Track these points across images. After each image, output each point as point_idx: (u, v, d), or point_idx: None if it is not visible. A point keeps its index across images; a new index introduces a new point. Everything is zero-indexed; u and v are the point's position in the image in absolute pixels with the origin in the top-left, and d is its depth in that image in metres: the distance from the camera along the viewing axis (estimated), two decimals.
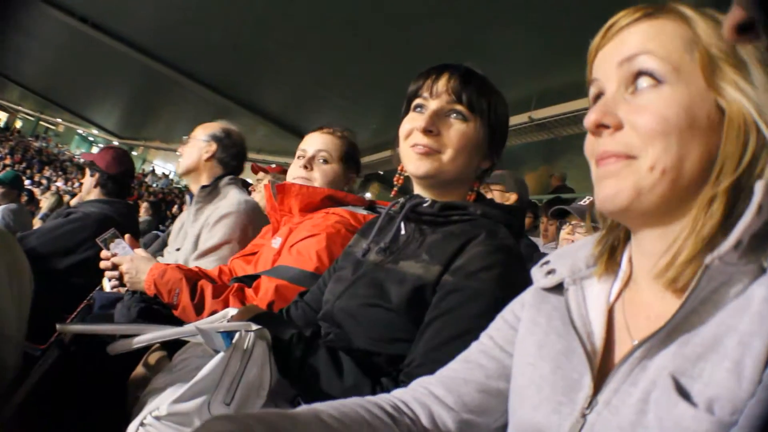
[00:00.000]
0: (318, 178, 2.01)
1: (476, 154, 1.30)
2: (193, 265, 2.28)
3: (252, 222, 2.49)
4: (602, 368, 0.75)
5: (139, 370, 1.41)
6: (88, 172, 3.15)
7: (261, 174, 3.90)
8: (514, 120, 8.49)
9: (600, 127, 0.74)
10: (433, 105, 1.28)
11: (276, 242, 1.88)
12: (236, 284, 1.71)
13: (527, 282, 0.96)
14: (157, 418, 1.03)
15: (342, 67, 10.23)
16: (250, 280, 1.76)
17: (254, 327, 1.09)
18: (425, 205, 1.29)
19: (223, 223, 2.42)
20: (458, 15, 7.02)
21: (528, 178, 9.81)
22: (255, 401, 1.06)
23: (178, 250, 2.54)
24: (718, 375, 0.61)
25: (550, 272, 0.89)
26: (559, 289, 0.88)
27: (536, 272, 0.93)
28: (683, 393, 0.62)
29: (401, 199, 1.36)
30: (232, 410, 1.02)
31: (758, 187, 0.63)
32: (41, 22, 14.75)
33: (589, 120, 0.75)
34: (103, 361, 1.42)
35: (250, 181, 4.48)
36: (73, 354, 1.59)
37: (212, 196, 2.58)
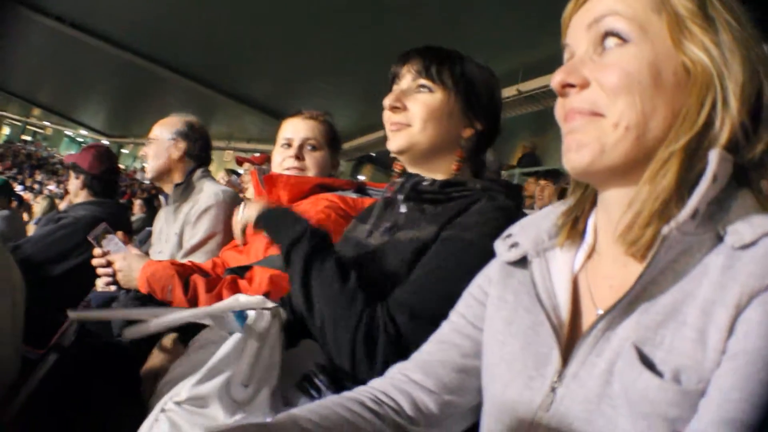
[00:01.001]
0: (311, 166, 2.00)
1: (449, 122, 1.31)
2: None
3: (234, 211, 2.46)
4: (570, 340, 0.76)
5: (154, 360, 1.41)
6: (72, 174, 3.12)
7: (247, 165, 3.88)
8: (502, 93, 8.43)
9: (566, 87, 0.74)
10: (401, 85, 1.34)
11: None
12: (229, 276, 1.71)
13: None
14: (178, 402, 1.03)
15: (324, 51, 10.20)
16: (242, 271, 1.75)
17: (270, 305, 1.10)
18: (425, 183, 1.31)
19: (205, 217, 2.40)
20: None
21: (517, 151, 9.83)
22: (271, 382, 1.07)
23: (160, 252, 2.51)
24: (682, 344, 0.62)
25: (513, 245, 0.89)
26: (523, 262, 0.87)
27: (499, 245, 0.92)
28: (647, 362, 0.64)
29: (399, 179, 1.37)
30: (250, 392, 1.03)
31: (712, 156, 0.65)
32: (18, 25, 14.57)
33: (555, 80, 0.75)
34: (106, 361, 1.43)
35: (240, 171, 4.46)
36: (73, 356, 1.60)
37: (188, 192, 2.54)
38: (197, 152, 2.63)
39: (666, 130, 0.69)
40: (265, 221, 1.30)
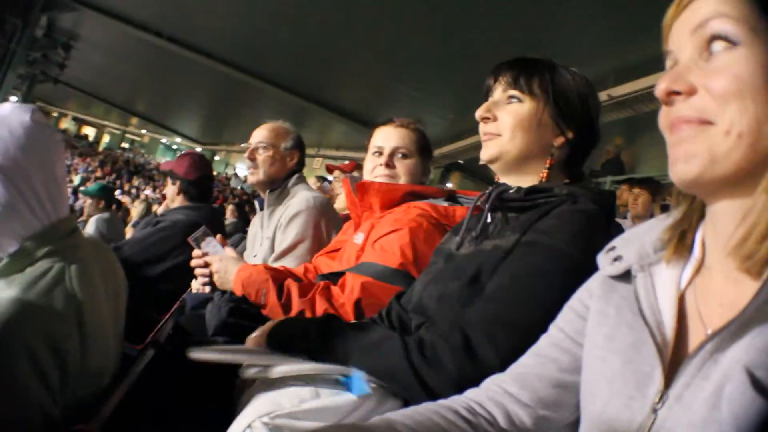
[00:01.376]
0: (401, 174, 2.00)
1: (538, 131, 1.31)
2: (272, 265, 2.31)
3: (324, 216, 2.49)
4: (674, 360, 0.72)
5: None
6: (169, 180, 3.24)
7: (337, 172, 3.92)
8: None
9: (671, 95, 0.70)
10: (493, 97, 1.36)
11: (359, 238, 1.87)
12: (322, 282, 1.71)
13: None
14: (266, 424, 1.05)
15: (414, 58, 10.24)
16: (335, 277, 1.76)
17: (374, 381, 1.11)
18: (511, 191, 1.30)
19: (295, 222, 2.44)
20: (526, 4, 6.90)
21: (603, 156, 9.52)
22: None
23: (254, 256, 2.57)
24: None
25: (617, 259, 0.85)
26: (626, 276, 0.84)
27: (602, 259, 0.89)
28: (760, 388, 0.59)
29: (488, 190, 1.36)
30: None
31: None
32: (118, 39, 15.40)
33: (660, 88, 0.71)
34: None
35: (330, 178, 4.52)
36: (169, 353, 1.65)
37: (282, 197, 2.60)
38: (301, 162, 2.72)
39: None
40: (275, 336, 1.31)
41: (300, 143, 2.72)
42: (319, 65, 12.47)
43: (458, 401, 0.92)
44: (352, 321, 1.33)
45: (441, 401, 0.92)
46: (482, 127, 1.34)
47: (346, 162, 4.05)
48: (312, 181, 6.63)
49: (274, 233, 2.49)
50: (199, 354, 1.21)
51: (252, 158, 2.62)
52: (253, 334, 1.37)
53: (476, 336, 1.05)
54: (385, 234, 1.73)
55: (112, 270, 1.47)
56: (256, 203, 2.78)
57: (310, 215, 2.45)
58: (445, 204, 1.84)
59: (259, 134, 2.67)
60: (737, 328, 0.63)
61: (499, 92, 1.35)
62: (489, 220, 1.33)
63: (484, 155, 1.34)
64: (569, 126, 1.32)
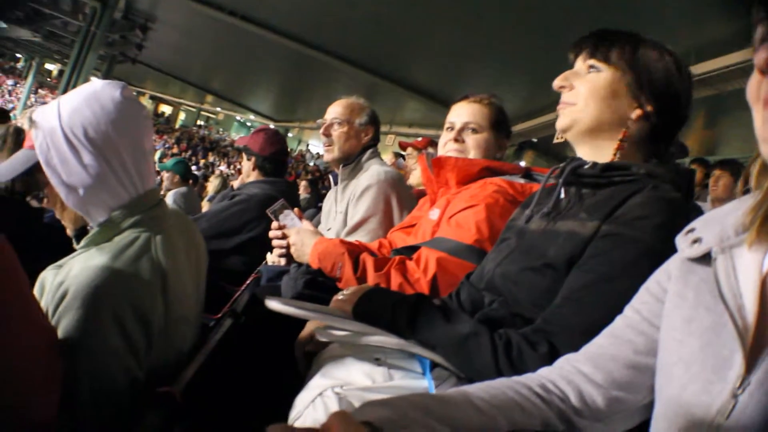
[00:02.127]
0: (471, 149, 1.97)
1: (614, 101, 1.27)
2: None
3: (395, 191, 2.49)
4: (755, 345, 0.69)
5: (308, 329, 1.45)
6: (244, 156, 3.30)
7: (410, 149, 3.90)
8: None
9: None
10: (574, 68, 1.34)
11: (434, 213, 1.86)
12: (397, 257, 1.72)
13: None
14: (338, 394, 1.07)
15: (489, 35, 10.02)
16: (409, 251, 1.76)
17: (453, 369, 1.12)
18: (586, 167, 1.26)
19: (366, 196, 2.45)
20: None
21: (690, 138, 9.13)
22: None
23: (329, 230, 2.60)
24: None
25: (696, 241, 0.82)
26: (706, 259, 0.80)
27: (681, 241, 0.86)
28: None
29: (562, 164, 1.32)
30: None
31: None
32: (193, 20, 15.71)
33: (761, 57, 0.65)
34: (273, 328, 1.49)
35: (403, 153, 4.51)
36: (244, 324, 1.69)
37: (356, 171, 2.61)
38: (376, 137, 2.72)
39: None
40: (362, 305, 1.31)
41: (375, 119, 2.72)
42: (391, 42, 12.39)
43: (532, 378, 0.92)
44: (437, 302, 1.31)
45: (515, 377, 0.93)
46: (560, 98, 1.32)
47: (419, 139, 4.04)
48: (388, 157, 6.64)
49: (347, 207, 2.51)
50: (277, 304, 1.23)
51: (327, 134, 2.64)
52: (339, 297, 1.38)
53: (562, 346, 1.03)
54: (461, 210, 1.72)
55: (194, 241, 1.51)
56: (331, 177, 2.81)
57: (380, 189, 2.45)
58: (522, 181, 1.81)
59: (334, 110, 2.68)
60: None
61: (579, 62, 1.32)
62: (562, 195, 1.29)
63: (559, 124, 1.32)
64: (648, 100, 1.27)
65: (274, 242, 1.99)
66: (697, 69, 7.58)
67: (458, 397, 0.78)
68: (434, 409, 0.73)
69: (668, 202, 1.11)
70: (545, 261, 1.18)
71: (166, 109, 43.15)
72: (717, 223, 0.82)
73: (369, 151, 2.66)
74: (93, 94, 1.26)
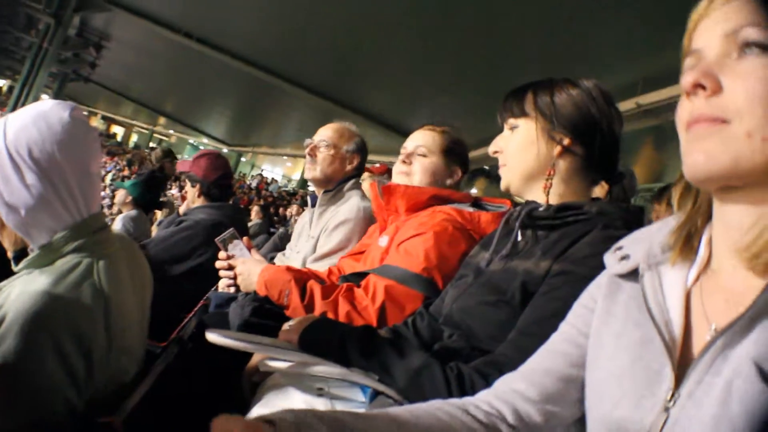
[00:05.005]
0: (417, 171, 1.99)
1: (536, 148, 1.35)
2: (310, 267, 2.32)
3: (370, 226, 2.48)
4: (683, 358, 0.72)
5: (254, 360, 1.44)
6: (188, 183, 3.25)
7: (365, 174, 3.92)
8: (620, 107, 8.18)
9: (697, 87, 0.69)
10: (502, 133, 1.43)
11: (383, 240, 1.88)
12: (345, 284, 1.72)
13: None
14: None
15: (440, 64, 10.24)
16: (357, 278, 1.77)
17: (396, 398, 1.12)
18: (541, 209, 1.31)
19: (340, 229, 2.43)
20: (555, 2, 6.84)
21: (637, 166, 9.40)
22: None
23: (297, 252, 2.58)
24: None
25: (624, 258, 0.85)
26: (633, 275, 0.83)
27: (609, 258, 0.89)
28: None
29: (518, 208, 1.37)
30: None
31: None
32: (148, 40, 15.59)
33: (687, 80, 0.69)
34: (218, 356, 1.47)
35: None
36: (191, 351, 1.66)
37: (335, 199, 2.60)
38: (360, 166, 2.71)
39: None
40: (309, 336, 1.31)
41: (363, 148, 2.70)
42: (346, 69, 12.53)
43: (469, 400, 0.92)
44: (386, 332, 1.34)
45: (450, 400, 0.93)
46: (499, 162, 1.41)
47: (377, 165, 4.06)
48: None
49: (320, 234, 2.49)
50: (217, 337, 1.22)
51: (312, 155, 2.61)
52: (285, 327, 1.37)
53: None
54: (410, 237, 1.73)
55: (139, 267, 1.49)
56: (308, 199, 2.78)
57: (356, 225, 2.44)
58: (470, 209, 1.84)
59: (323, 132, 2.66)
60: (746, 323, 0.63)
61: (505, 127, 1.41)
62: (519, 237, 1.34)
63: (501, 187, 1.42)
64: (564, 134, 1.33)
65: (221, 273, 1.97)
66: (644, 99, 7.86)
67: (379, 414, 0.78)
68: (343, 418, 0.73)
69: (616, 240, 1.15)
70: (502, 297, 1.22)
71: (118, 131, 42.43)
72: (645, 240, 0.85)
73: (352, 181, 2.64)
74: (41, 114, 1.24)
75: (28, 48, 15.94)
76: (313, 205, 2.67)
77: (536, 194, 1.35)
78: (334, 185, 2.61)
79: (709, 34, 0.72)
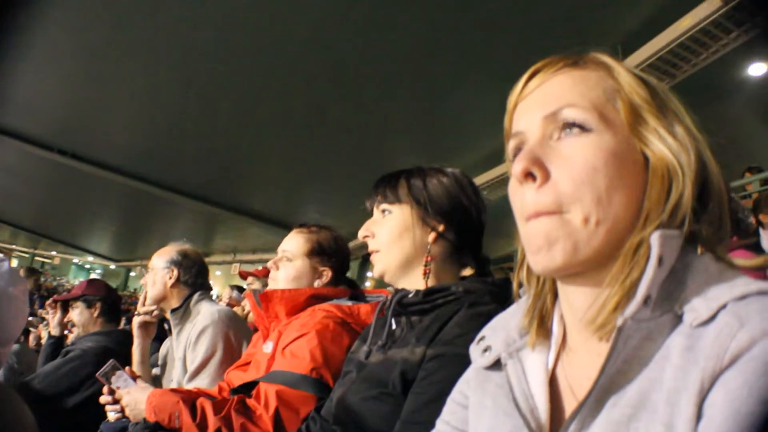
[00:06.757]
0: (281, 277, 2.05)
1: (411, 234, 1.40)
2: (187, 387, 2.30)
3: (232, 328, 2.51)
4: None
5: None
6: (80, 307, 3.16)
7: (250, 278, 3.92)
8: (493, 173, 8.68)
9: (527, 177, 0.70)
10: (373, 216, 1.48)
11: (268, 347, 1.89)
12: (236, 397, 1.72)
13: None
14: None
15: (316, 160, 10.51)
16: (247, 388, 1.77)
17: None
18: (410, 296, 1.35)
19: (203, 338, 2.44)
20: (420, 88, 7.23)
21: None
22: None
23: (171, 381, 2.55)
24: None
25: (486, 349, 0.86)
26: (498, 365, 0.83)
27: (473, 351, 0.89)
28: None
29: (390, 297, 1.42)
30: None
31: (654, 239, 0.63)
32: (19, 159, 14.99)
33: (518, 169, 0.70)
34: None
35: (244, 286, 4.49)
36: None
37: (187, 316, 2.61)
38: (192, 279, 2.71)
39: (631, 218, 0.67)
40: None
41: (181, 261, 2.71)
42: (227, 172, 12.54)
43: None
44: None
45: None
46: (369, 246, 1.44)
47: (260, 268, 4.06)
48: (227, 290, 6.56)
49: (185, 353, 2.47)
50: None
51: (145, 283, 2.69)
52: None
53: None
54: (294, 339, 1.76)
55: (19, 420, 1.43)
56: (165, 325, 2.78)
57: (217, 329, 2.46)
58: (349, 303, 1.90)
59: (153, 258, 2.75)
60: (594, 402, 0.64)
61: (376, 210, 1.46)
62: (393, 326, 1.37)
63: (374, 273, 1.44)
64: (438, 221, 1.40)
65: (107, 407, 1.93)
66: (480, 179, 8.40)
67: None
68: None
69: (484, 316, 1.17)
70: (384, 389, 1.24)
71: None
72: (502, 328, 0.86)
73: (197, 294, 2.67)
74: None
75: None
76: (170, 332, 2.69)
77: (413, 280, 1.40)
78: (179, 302, 2.63)
79: (529, 116, 0.74)
